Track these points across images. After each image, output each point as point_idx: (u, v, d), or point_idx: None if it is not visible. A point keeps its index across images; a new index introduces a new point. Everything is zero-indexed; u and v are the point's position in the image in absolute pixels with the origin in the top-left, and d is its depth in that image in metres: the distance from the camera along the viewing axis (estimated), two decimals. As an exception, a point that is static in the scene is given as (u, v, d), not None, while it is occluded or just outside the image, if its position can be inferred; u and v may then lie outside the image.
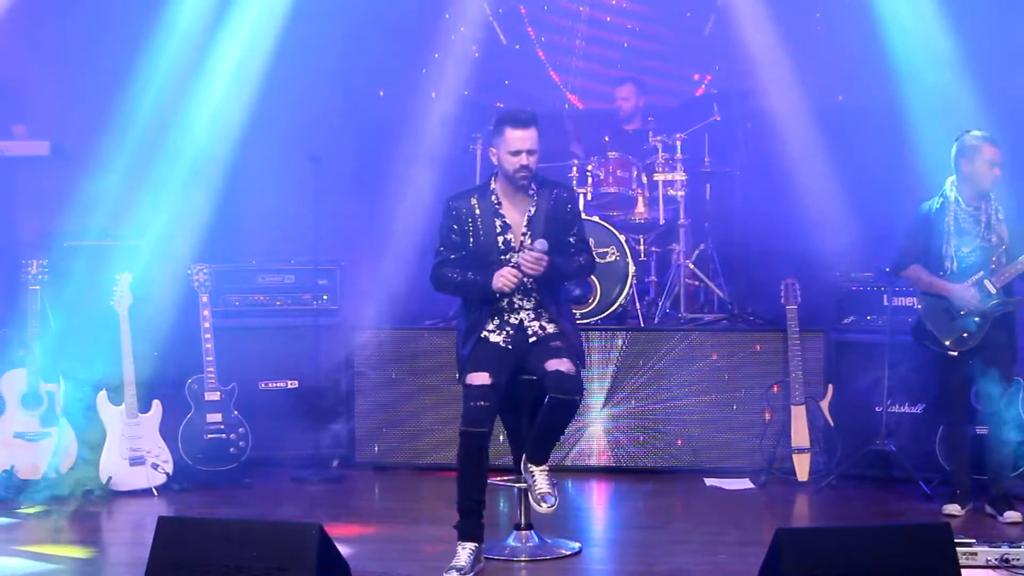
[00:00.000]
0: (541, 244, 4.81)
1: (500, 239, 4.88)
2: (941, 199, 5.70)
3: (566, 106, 8.62)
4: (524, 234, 4.89)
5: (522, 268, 4.78)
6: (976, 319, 5.60)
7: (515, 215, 4.91)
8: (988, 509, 5.69)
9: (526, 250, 4.81)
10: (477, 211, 4.90)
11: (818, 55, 7.77)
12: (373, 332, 7.03)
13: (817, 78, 7.86)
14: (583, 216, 7.00)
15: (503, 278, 4.77)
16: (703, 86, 8.47)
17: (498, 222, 4.89)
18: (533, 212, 4.91)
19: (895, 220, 6.24)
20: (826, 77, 7.83)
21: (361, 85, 8.20)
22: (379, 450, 6.92)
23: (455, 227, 4.91)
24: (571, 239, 4.99)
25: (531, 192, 4.92)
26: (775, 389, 6.57)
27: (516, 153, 4.79)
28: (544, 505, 4.83)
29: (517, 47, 8.64)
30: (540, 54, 8.65)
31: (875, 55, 7.41)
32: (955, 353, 5.67)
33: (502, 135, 4.81)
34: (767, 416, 6.57)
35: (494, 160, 4.90)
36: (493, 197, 4.91)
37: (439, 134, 7.75)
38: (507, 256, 4.86)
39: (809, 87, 7.92)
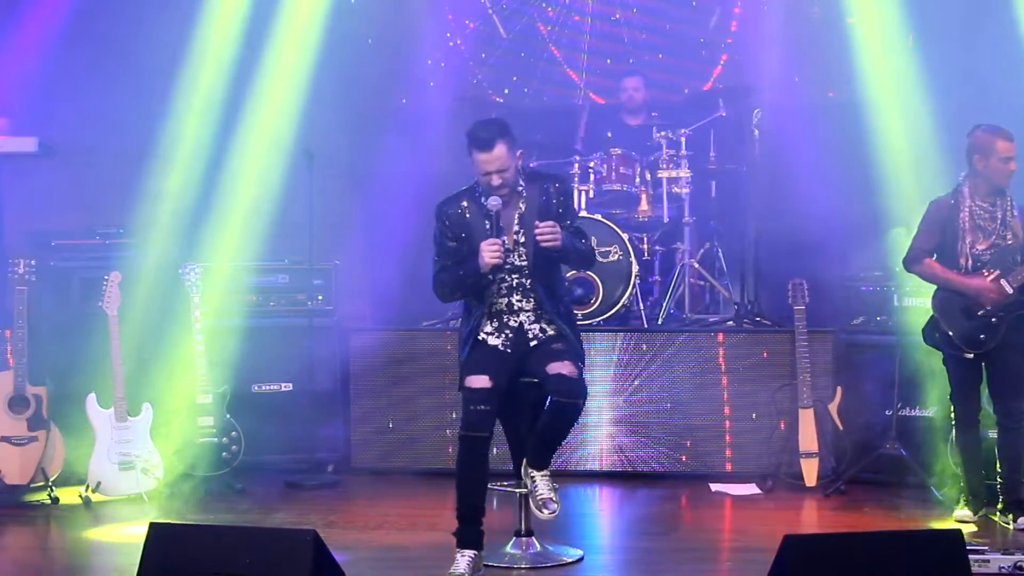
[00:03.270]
0: (495, 201, 4.81)
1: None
2: (955, 195, 5.69)
3: (579, 101, 8.61)
4: (517, 232, 4.90)
5: (543, 243, 4.78)
6: (993, 319, 5.59)
7: (506, 214, 4.91)
8: (1001, 516, 5.69)
9: (537, 224, 4.80)
10: (468, 214, 4.91)
11: (819, 51, 7.80)
12: (369, 333, 7.03)
13: (822, 74, 7.89)
14: (584, 214, 7.09)
15: (486, 253, 4.76)
16: (711, 80, 8.48)
17: (488, 223, 4.88)
18: (524, 209, 4.92)
19: (906, 219, 6.24)
20: (830, 74, 7.86)
21: (358, 80, 8.20)
22: (376, 454, 6.92)
23: (449, 233, 4.93)
24: (567, 228, 4.97)
25: (520, 188, 4.93)
26: (782, 425, 6.55)
27: (485, 174, 4.83)
28: (546, 511, 4.83)
29: (523, 54, 8.63)
30: (555, 52, 8.65)
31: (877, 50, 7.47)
32: (971, 355, 5.66)
33: (472, 155, 4.85)
34: (781, 425, 6.57)
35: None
36: (483, 198, 4.91)
37: (437, 130, 7.75)
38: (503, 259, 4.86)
39: (814, 84, 7.94)
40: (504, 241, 4.83)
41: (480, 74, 8.57)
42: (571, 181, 7.29)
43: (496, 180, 4.81)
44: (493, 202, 4.83)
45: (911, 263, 5.79)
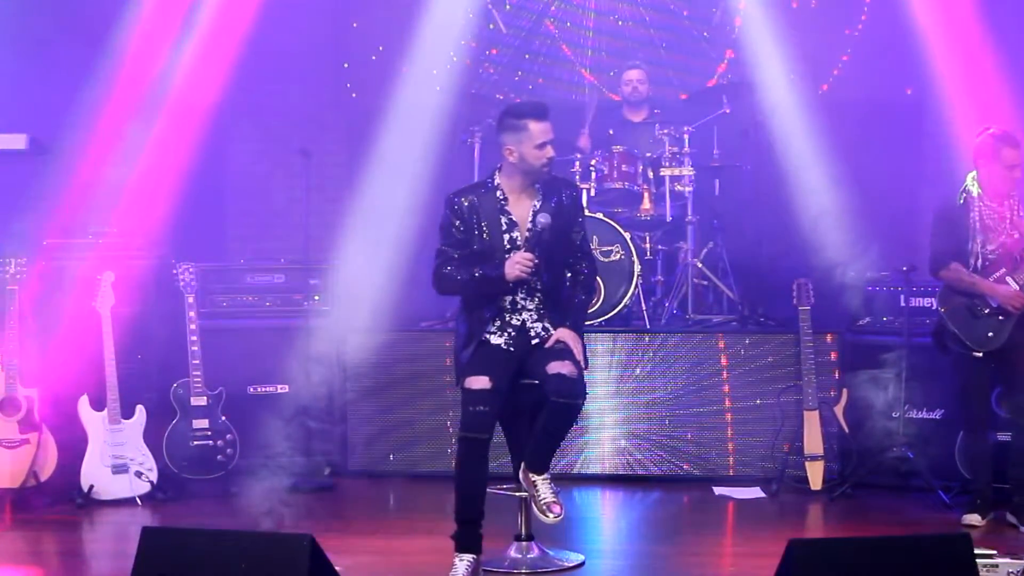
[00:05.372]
0: (544, 218, 4.85)
1: (506, 237, 4.89)
2: (964, 194, 5.70)
3: (585, 98, 8.61)
4: (529, 230, 4.90)
5: (519, 268, 4.78)
6: (1000, 317, 5.61)
7: (520, 211, 4.92)
8: (1010, 519, 5.69)
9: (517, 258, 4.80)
10: (482, 208, 4.90)
11: (823, 46, 7.82)
12: (367, 334, 7.02)
13: (829, 70, 7.90)
14: (586, 212, 7.08)
15: (519, 265, 4.78)
16: (715, 77, 8.48)
17: (503, 219, 4.90)
18: (538, 207, 4.92)
19: (914, 217, 6.26)
20: (828, 69, 7.88)
21: (354, 76, 8.21)
22: (373, 457, 6.92)
23: (459, 224, 4.90)
24: (575, 238, 5.00)
25: (536, 186, 4.94)
26: (785, 448, 6.54)
27: (542, 146, 4.84)
28: (551, 515, 4.82)
29: (527, 55, 8.63)
30: (565, 50, 8.65)
31: (885, 46, 7.49)
32: (980, 354, 5.67)
33: (525, 130, 4.83)
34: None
35: (512, 158, 4.88)
36: (498, 193, 4.92)
37: (435, 127, 7.75)
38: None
39: (821, 80, 7.95)
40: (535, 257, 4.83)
41: (483, 71, 8.56)
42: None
43: (551, 151, 4.85)
44: (543, 219, 4.84)
45: (937, 268, 5.80)
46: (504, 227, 4.89)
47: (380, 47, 8.14)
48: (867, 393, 6.53)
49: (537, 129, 4.82)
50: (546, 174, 4.91)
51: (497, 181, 4.94)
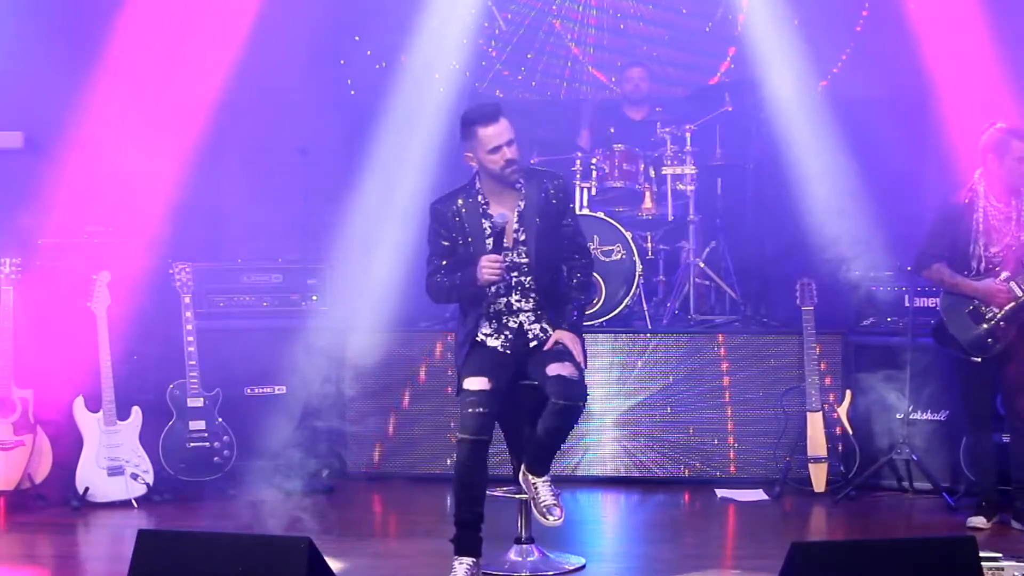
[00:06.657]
0: (501, 218, 4.83)
1: (490, 241, 4.87)
2: (970, 194, 5.68)
3: (587, 88, 8.61)
4: (516, 230, 4.89)
5: (486, 272, 4.75)
6: (1001, 323, 5.59)
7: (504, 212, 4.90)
8: (1015, 523, 5.68)
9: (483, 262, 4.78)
10: (464, 213, 4.89)
11: (825, 42, 7.81)
12: (365, 335, 7.02)
13: (831, 67, 7.89)
14: (587, 212, 7.09)
15: (485, 269, 4.76)
16: (717, 75, 8.47)
17: (486, 223, 4.87)
18: (523, 207, 4.90)
19: (918, 216, 6.25)
20: (841, 67, 7.86)
21: (353, 75, 8.20)
22: (372, 459, 6.92)
23: (443, 232, 4.91)
24: (566, 230, 4.98)
25: (519, 186, 4.92)
26: (787, 459, 6.52)
27: (495, 150, 4.77)
28: (551, 517, 4.82)
29: (529, 55, 8.63)
30: (574, 50, 8.65)
31: (889, 44, 7.48)
32: (978, 359, 5.65)
33: (475, 136, 4.79)
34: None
35: (473, 165, 4.89)
36: (479, 197, 4.90)
37: (435, 126, 7.74)
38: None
39: (821, 76, 7.94)
40: (505, 256, 4.82)
41: (485, 67, 8.55)
42: (571, 179, 7.27)
43: (508, 153, 4.76)
44: (499, 218, 4.82)
45: (920, 268, 5.81)
46: (487, 231, 4.87)
47: (384, 62, 8.14)
48: (871, 394, 6.53)
49: (487, 134, 4.76)
50: (510, 176, 4.83)
51: (478, 185, 4.93)
